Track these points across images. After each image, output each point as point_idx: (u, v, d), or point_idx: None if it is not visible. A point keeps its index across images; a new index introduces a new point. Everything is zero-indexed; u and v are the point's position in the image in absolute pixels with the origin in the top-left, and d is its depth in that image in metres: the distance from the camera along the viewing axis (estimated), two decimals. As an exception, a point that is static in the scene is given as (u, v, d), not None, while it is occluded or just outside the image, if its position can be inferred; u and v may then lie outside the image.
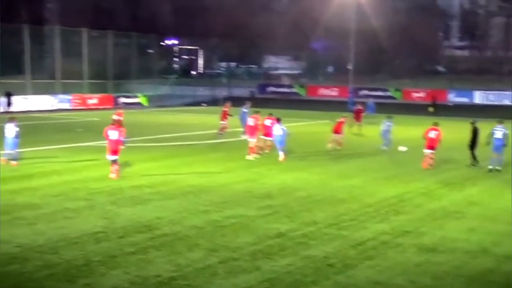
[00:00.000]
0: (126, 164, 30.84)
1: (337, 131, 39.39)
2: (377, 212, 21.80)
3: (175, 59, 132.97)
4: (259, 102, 63.23)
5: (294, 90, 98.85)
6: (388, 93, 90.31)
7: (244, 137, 39.88)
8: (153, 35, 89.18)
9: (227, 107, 45.86)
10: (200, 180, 27.47)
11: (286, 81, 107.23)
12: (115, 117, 37.40)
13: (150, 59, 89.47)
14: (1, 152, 31.13)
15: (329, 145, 38.87)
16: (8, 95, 65.04)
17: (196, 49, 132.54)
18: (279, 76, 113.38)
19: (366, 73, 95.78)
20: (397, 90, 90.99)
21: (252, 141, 34.88)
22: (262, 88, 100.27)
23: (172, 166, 31.40)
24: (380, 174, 29.86)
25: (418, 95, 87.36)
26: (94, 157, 31.88)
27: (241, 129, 43.14)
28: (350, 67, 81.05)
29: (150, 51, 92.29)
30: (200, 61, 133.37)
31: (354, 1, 79.01)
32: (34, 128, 33.40)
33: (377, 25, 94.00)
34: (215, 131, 45.14)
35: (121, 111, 43.90)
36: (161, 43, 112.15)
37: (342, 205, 22.88)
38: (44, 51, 79.90)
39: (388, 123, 40.43)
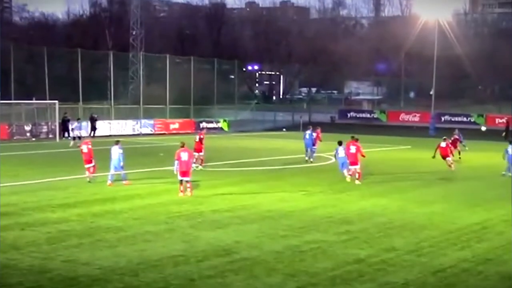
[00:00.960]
0: (206, 188, 31.29)
1: (446, 155, 39.63)
2: (458, 239, 21.45)
3: (256, 84, 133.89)
4: (340, 127, 63.17)
5: (375, 115, 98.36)
6: (471, 119, 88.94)
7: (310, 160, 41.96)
8: (234, 61, 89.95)
9: (318, 133, 46.44)
10: (280, 205, 27.52)
11: (367, 106, 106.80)
12: (197, 137, 40.34)
13: (231, 85, 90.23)
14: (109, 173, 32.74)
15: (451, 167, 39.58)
16: (92, 120, 66.26)
17: (277, 75, 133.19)
18: (360, 101, 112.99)
19: (449, 98, 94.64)
20: (480, 115, 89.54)
21: (355, 167, 34.47)
22: (343, 113, 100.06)
23: (252, 190, 31.53)
24: (461, 201, 29.39)
25: (502, 121, 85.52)
26: (175, 181, 32.23)
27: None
28: (432, 92, 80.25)
29: (232, 76, 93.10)
30: (281, 87, 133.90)
31: (436, 27, 78.36)
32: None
33: (460, 51, 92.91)
34: (295, 156, 45.17)
35: (203, 131, 45.26)
36: (243, 69, 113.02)
37: (422, 231, 22.59)
38: (128, 76, 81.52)
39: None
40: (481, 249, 20.26)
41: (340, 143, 35.57)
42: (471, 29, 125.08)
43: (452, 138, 48.85)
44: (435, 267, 18.08)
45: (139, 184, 32.64)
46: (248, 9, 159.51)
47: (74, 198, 28.19)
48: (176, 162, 29.45)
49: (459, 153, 47.25)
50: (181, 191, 29.25)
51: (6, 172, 35.05)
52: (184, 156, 29.31)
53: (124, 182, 32.42)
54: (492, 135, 71.33)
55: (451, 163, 39.79)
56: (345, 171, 34.82)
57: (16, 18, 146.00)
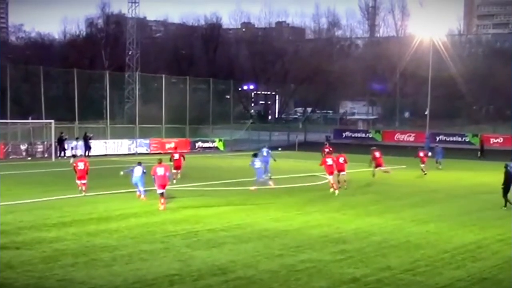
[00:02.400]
0: (202, 207, 31.34)
1: (379, 164, 45.90)
2: (453, 259, 21.47)
3: (251, 104, 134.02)
4: (335, 147, 63.13)
5: (370, 135, 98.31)
6: (465, 139, 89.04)
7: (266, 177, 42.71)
8: (230, 81, 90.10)
9: (329, 148, 48.52)
10: (275, 224, 27.55)
11: (362, 126, 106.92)
12: (176, 155, 43.83)
13: (227, 104, 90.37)
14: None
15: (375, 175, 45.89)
16: (86, 139, 65.57)
17: (273, 94, 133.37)
18: (355, 121, 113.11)
19: (444, 118, 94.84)
20: (474, 135, 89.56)
21: (330, 178, 38.16)
22: (338, 133, 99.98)
23: (248, 209, 31.54)
24: (456, 220, 29.43)
25: (497, 141, 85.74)
26: (170, 200, 32.30)
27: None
28: (427, 112, 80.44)
29: (227, 96, 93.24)
30: (276, 106, 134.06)
31: (431, 47, 78.69)
32: (113, 172, 34.16)
33: (455, 71, 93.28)
34: (291, 175, 45.20)
35: (180, 151, 48.51)
36: (238, 89, 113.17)
37: (418, 250, 22.62)
38: (124, 96, 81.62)
39: None
40: (477, 268, 20.29)
41: (255, 155, 39.97)
42: (465, 49, 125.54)
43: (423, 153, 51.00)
44: (431, 286, 18.11)
45: (135, 203, 32.65)
46: (243, 29, 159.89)
47: (69, 217, 28.18)
48: (153, 177, 31.49)
49: (423, 170, 49.96)
50: (162, 204, 31.07)
51: (2, 191, 35.04)
52: (160, 171, 31.41)
53: (143, 196, 33.79)
54: (486, 154, 71.55)
55: (387, 170, 46.12)
56: (265, 180, 38.84)
57: (12, 38, 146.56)
